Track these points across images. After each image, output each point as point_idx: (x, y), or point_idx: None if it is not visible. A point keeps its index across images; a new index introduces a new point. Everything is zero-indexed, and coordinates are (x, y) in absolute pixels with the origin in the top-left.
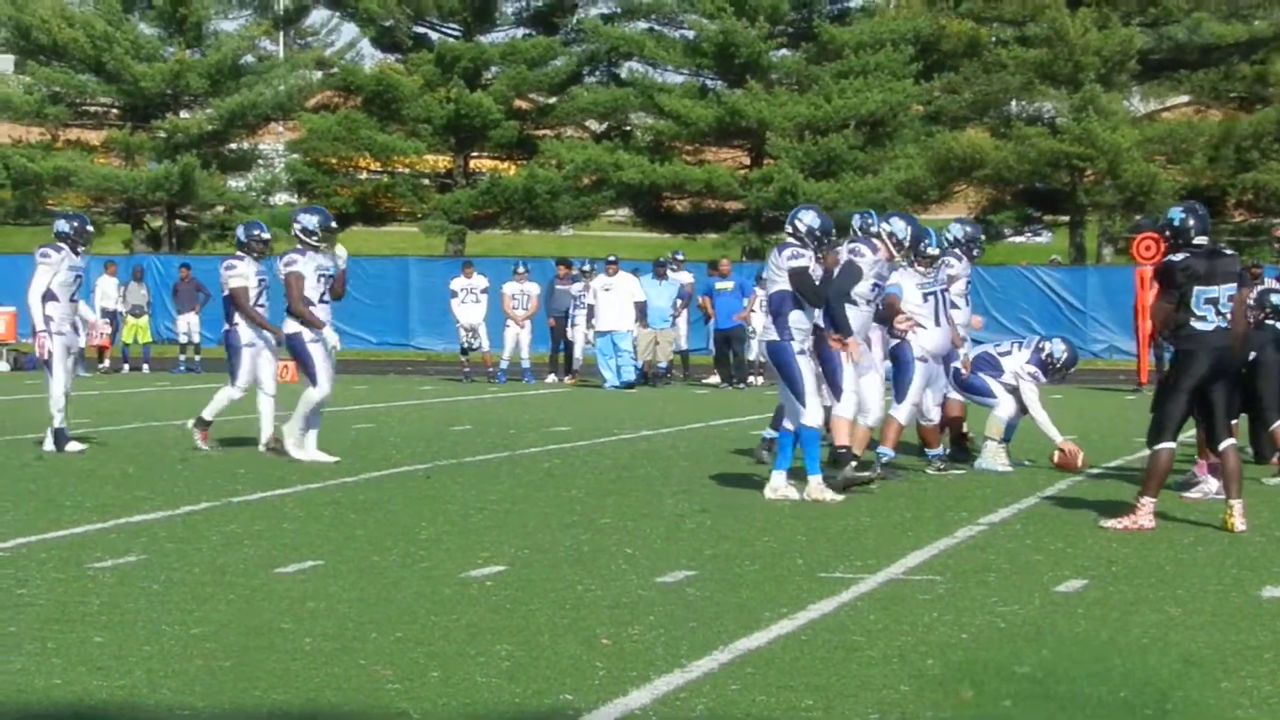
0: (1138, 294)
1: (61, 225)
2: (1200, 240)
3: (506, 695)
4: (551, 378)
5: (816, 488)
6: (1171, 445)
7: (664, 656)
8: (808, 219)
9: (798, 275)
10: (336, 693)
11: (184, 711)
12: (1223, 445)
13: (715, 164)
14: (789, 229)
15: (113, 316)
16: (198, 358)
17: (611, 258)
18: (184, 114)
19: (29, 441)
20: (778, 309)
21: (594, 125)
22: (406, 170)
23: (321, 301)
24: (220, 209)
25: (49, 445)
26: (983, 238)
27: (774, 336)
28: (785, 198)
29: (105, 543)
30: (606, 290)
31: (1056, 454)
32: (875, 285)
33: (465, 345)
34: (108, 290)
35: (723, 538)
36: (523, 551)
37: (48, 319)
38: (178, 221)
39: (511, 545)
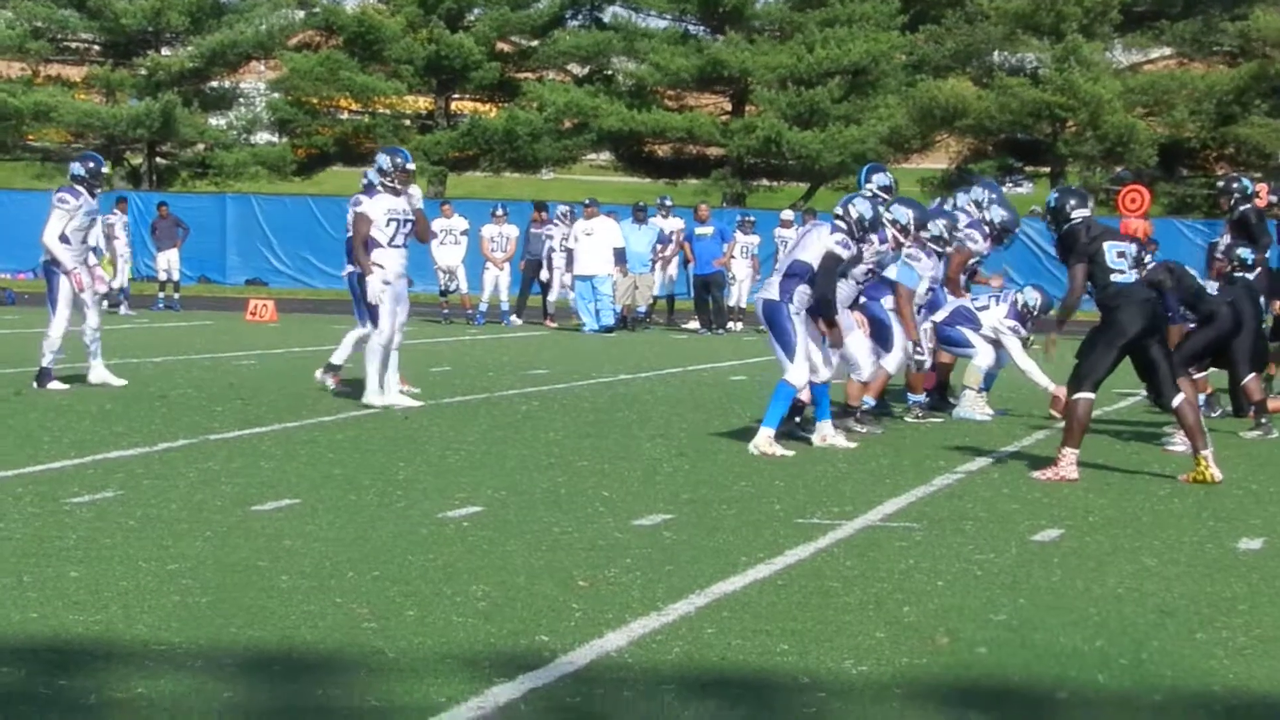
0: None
1: (76, 168)
2: (1083, 212)
3: (482, 635)
4: (516, 319)
5: (765, 440)
6: (1091, 395)
7: (640, 599)
8: (860, 207)
9: (830, 260)
10: (312, 630)
11: (160, 646)
12: (1175, 401)
13: (697, 110)
14: (840, 210)
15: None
16: (176, 295)
17: (589, 201)
18: (165, 51)
19: (7, 377)
20: (795, 274)
21: (576, 69)
22: (387, 111)
23: (393, 245)
24: (201, 147)
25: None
26: (1015, 231)
27: (773, 296)
28: (769, 145)
29: (82, 478)
30: (587, 235)
31: (1053, 400)
32: (870, 270)
33: (444, 287)
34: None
35: (700, 482)
36: (499, 493)
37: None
38: (158, 159)
39: (488, 486)
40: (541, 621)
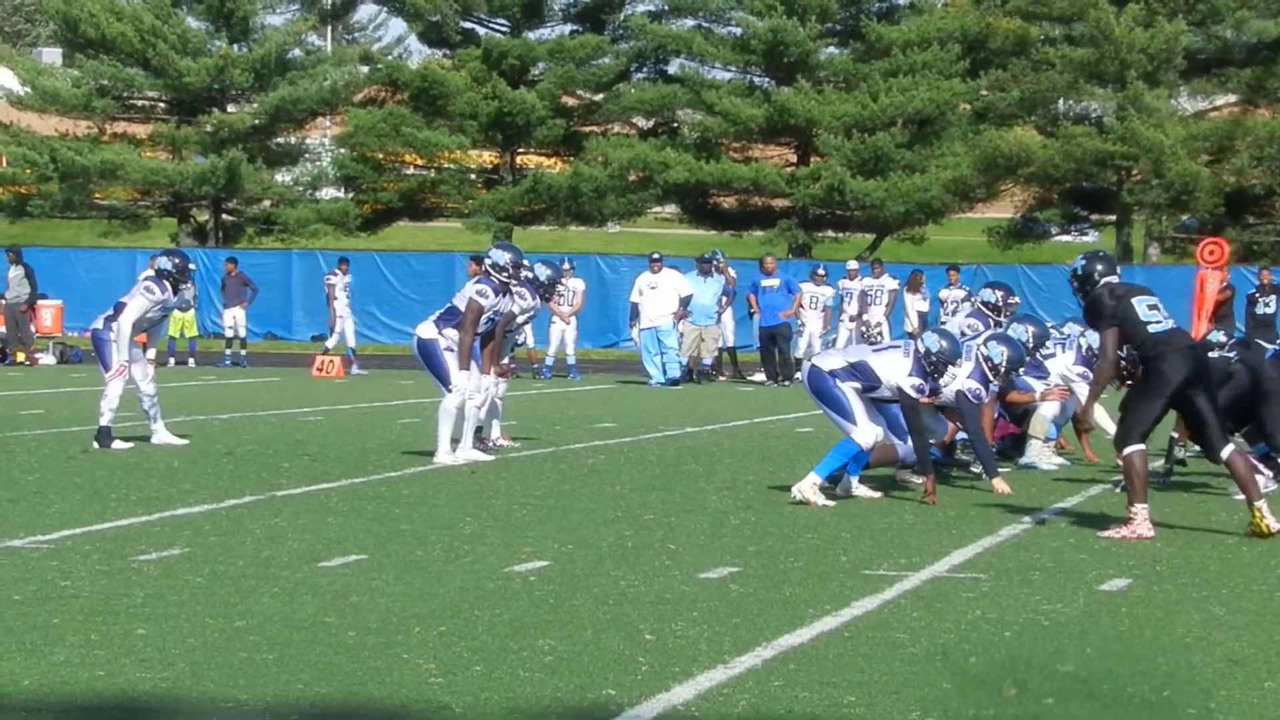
0: (1196, 296)
1: (164, 263)
2: (1110, 279)
3: (549, 690)
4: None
5: (810, 486)
6: (1141, 447)
7: (707, 652)
8: (934, 343)
9: (908, 399)
10: (379, 686)
11: (227, 704)
12: (1225, 454)
13: (762, 162)
14: (921, 346)
15: None
16: (243, 352)
17: (655, 255)
18: (230, 108)
19: (75, 435)
20: (860, 374)
21: (641, 122)
22: (452, 166)
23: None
24: (266, 203)
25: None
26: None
27: (824, 368)
28: (832, 195)
29: (150, 535)
30: (652, 288)
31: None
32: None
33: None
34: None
35: (766, 534)
36: (566, 547)
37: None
38: (224, 216)
39: (555, 540)
40: (608, 675)
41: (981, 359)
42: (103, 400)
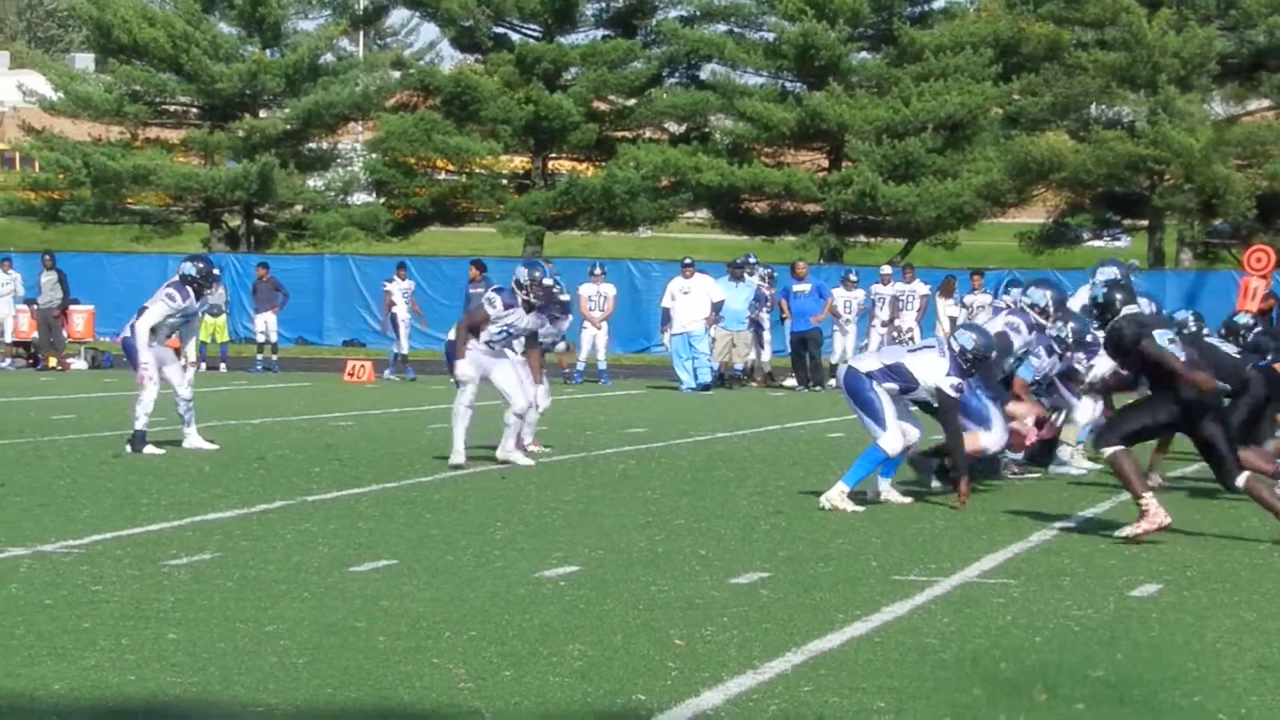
0: (1238, 303)
1: (188, 268)
2: (1131, 308)
3: (579, 695)
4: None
5: (838, 494)
6: (1121, 447)
7: (737, 657)
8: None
9: (947, 400)
10: (409, 691)
11: (257, 708)
12: (1240, 482)
13: (794, 166)
14: (956, 344)
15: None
16: (275, 357)
17: (688, 260)
18: (262, 113)
19: (107, 440)
20: (897, 375)
21: (673, 127)
22: (484, 171)
23: (488, 344)
24: (298, 208)
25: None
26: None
27: (861, 370)
28: (864, 200)
29: (180, 540)
30: (684, 293)
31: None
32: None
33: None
34: None
35: (797, 539)
36: (597, 552)
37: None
38: (255, 221)
39: (585, 546)
40: (638, 681)
41: (954, 351)
42: (137, 405)
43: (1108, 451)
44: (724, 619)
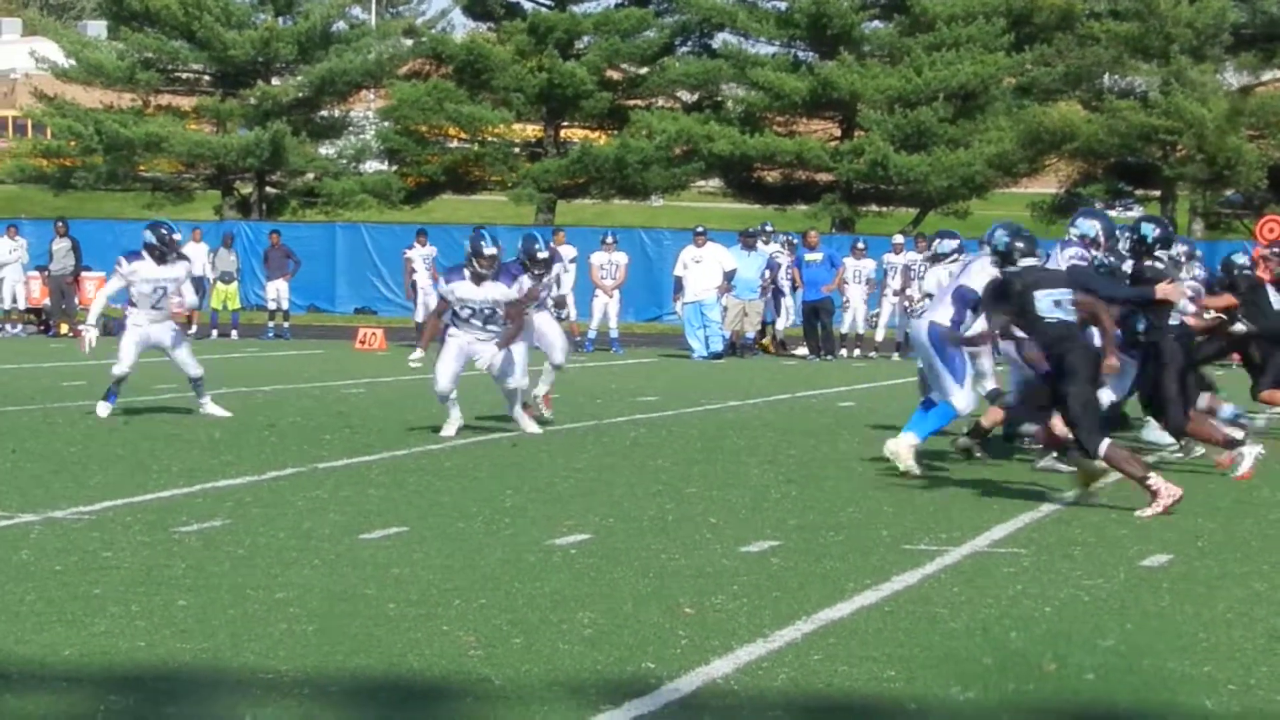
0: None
1: (147, 235)
2: (1028, 260)
3: (589, 663)
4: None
5: (907, 447)
6: (1107, 440)
7: (747, 626)
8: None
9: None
10: (419, 658)
11: (267, 674)
12: (1101, 450)
13: (806, 136)
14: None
15: (199, 283)
16: (286, 324)
17: (700, 229)
18: (274, 81)
19: (116, 406)
20: (963, 299)
21: (685, 96)
22: (496, 139)
23: (459, 324)
24: (310, 176)
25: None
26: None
27: (943, 320)
28: (876, 169)
29: (191, 507)
30: (696, 261)
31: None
32: None
33: (553, 315)
34: (195, 257)
35: (808, 509)
36: (607, 520)
37: (125, 318)
38: (268, 188)
39: (596, 514)
40: (648, 649)
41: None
42: (116, 367)
43: (1102, 453)
44: (734, 587)
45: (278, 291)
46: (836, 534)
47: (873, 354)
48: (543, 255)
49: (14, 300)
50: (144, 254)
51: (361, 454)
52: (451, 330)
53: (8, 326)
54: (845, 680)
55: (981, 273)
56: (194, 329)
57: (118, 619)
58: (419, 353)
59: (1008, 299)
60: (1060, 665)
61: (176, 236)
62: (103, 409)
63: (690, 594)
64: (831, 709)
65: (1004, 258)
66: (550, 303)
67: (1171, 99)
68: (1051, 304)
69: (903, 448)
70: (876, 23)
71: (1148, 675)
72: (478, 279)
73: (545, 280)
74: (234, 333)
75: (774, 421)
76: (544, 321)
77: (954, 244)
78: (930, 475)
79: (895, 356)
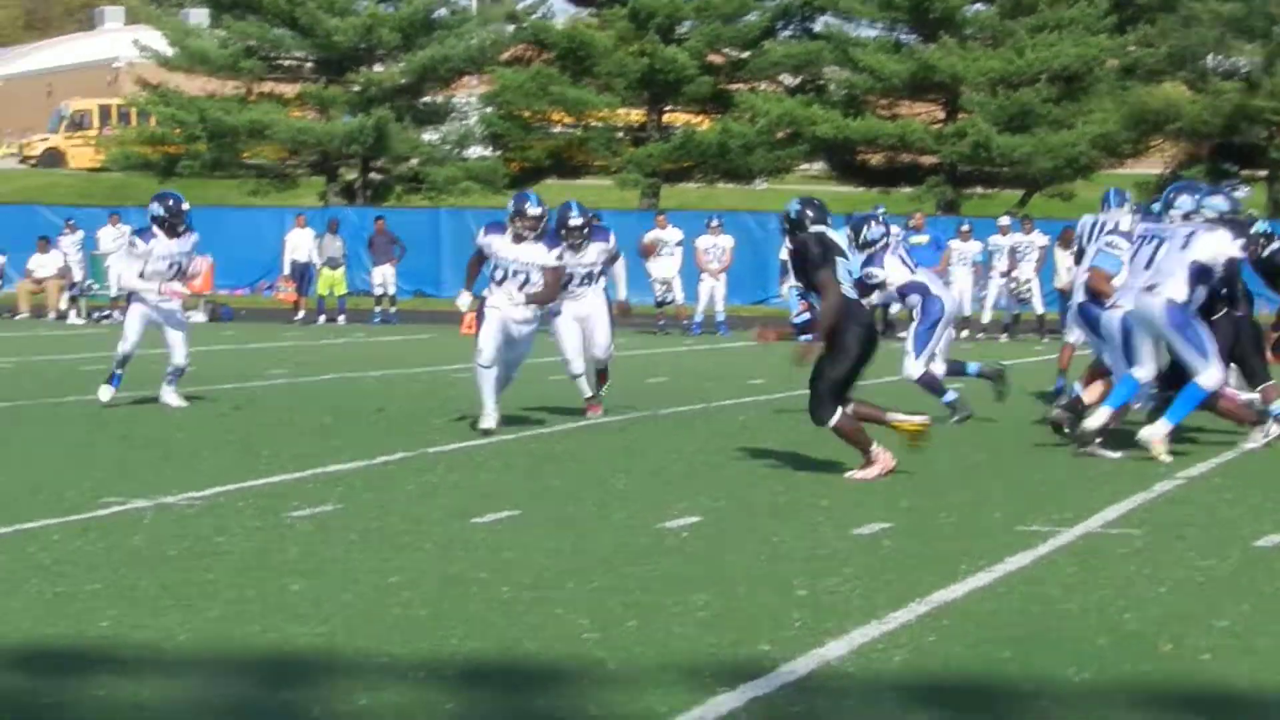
0: None
1: (155, 208)
2: (819, 227)
3: (703, 645)
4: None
5: (1161, 436)
6: (840, 412)
7: (860, 608)
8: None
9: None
10: (534, 642)
11: (381, 659)
12: (832, 421)
13: (909, 118)
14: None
15: (305, 269)
16: (393, 309)
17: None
18: (378, 67)
19: (226, 392)
20: (1193, 274)
21: (787, 79)
22: (600, 124)
23: (499, 285)
24: (414, 161)
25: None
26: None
27: (1177, 297)
28: (979, 152)
29: (302, 492)
30: None
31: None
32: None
33: (660, 299)
34: (299, 243)
35: (918, 490)
36: (718, 502)
37: (134, 293)
38: (372, 174)
39: (707, 496)
40: (762, 631)
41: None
42: (121, 345)
43: (831, 423)
44: (847, 569)
45: (384, 277)
46: (948, 515)
47: (980, 335)
48: (575, 223)
49: (120, 287)
50: (155, 229)
51: (471, 438)
52: (490, 302)
53: (115, 313)
54: (960, 662)
55: (1211, 244)
56: (301, 314)
57: (232, 604)
58: (466, 296)
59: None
60: (1176, 646)
61: (185, 206)
62: (105, 393)
63: (803, 576)
64: (946, 690)
65: (795, 224)
66: (598, 283)
67: (1275, 79)
68: None
69: (1156, 437)
70: (979, 5)
71: (1264, 656)
72: (517, 238)
73: (584, 258)
74: (341, 318)
75: (881, 403)
76: (597, 309)
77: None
78: (1040, 455)
79: (1003, 338)
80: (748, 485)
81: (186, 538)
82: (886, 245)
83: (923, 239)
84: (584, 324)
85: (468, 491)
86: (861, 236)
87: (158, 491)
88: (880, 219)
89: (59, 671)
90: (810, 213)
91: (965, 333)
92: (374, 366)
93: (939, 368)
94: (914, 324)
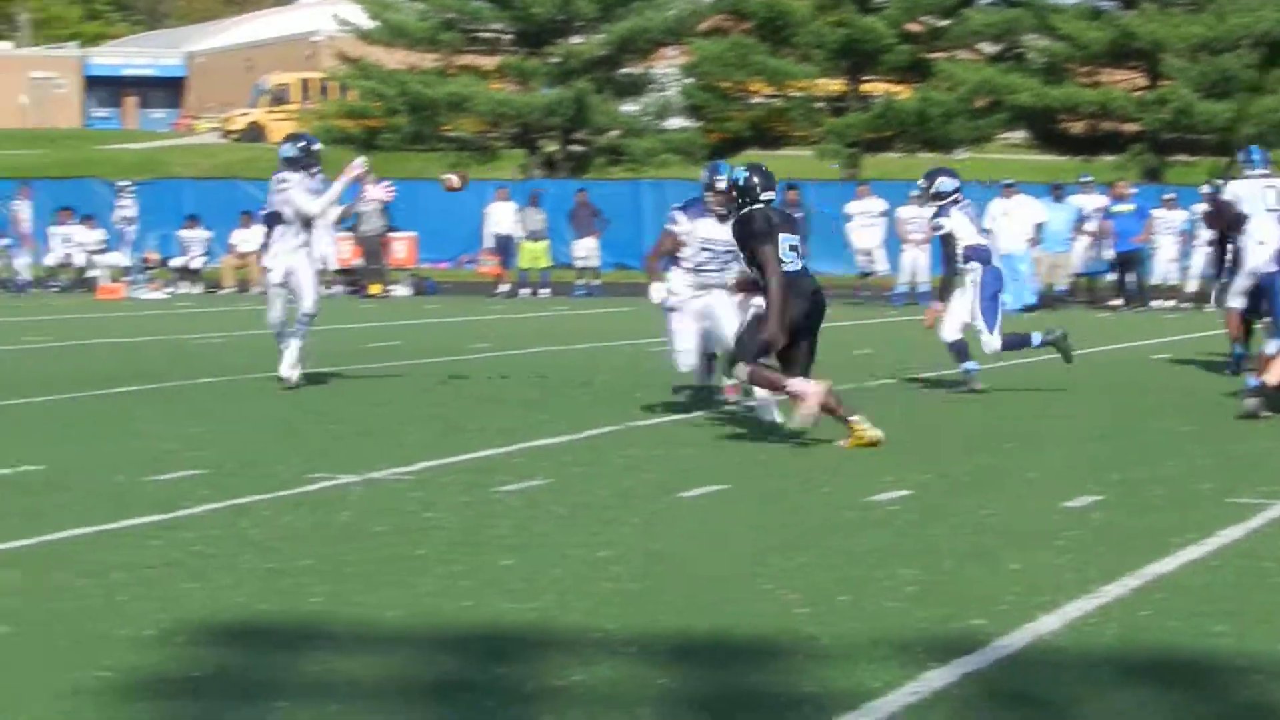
0: None
1: (287, 149)
2: (769, 195)
3: (914, 620)
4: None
5: None
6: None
7: (1072, 581)
8: None
9: None
10: (744, 617)
11: (596, 634)
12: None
13: (1110, 85)
14: None
15: (506, 242)
16: (596, 282)
17: (1008, 182)
18: (576, 39)
19: (429, 367)
20: None
21: (987, 47)
22: (799, 94)
23: (695, 271)
24: (614, 133)
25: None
26: None
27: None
28: (1180, 119)
29: (509, 466)
30: (1005, 215)
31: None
32: None
33: (862, 269)
34: (501, 216)
35: (1126, 463)
36: (925, 476)
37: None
38: (572, 146)
39: (913, 470)
40: (972, 605)
41: None
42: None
43: (743, 371)
44: (1058, 543)
45: (587, 250)
46: (1158, 488)
47: (1186, 305)
48: (722, 185)
49: (323, 262)
50: (286, 172)
51: (676, 412)
52: (672, 304)
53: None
54: (1175, 636)
55: None
56: (506, 287)
57: (442, 579)
58: (659, 288)
59: None
60: None
61: (317, 147)
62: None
63: (1013, 550)
64: (1161, 665)
65: (744, 192)
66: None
67: None
68: None
69: None
70: None
71: None
72: (722, 218)
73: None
74: (544, 290)
75: (1086, 375)
76: (720, 300)
77: None
78: (1244, 427)
79: (1208, 307)
80: (954, 458)
81: (395, 513)
82: (957, 200)
83: (1127, 207)
84: (708, 319)
85: (672, 466)
86: (934, 187)
87: (364, 467)
88: (1088, 187)
89: (272, 647)
90: (758, 179)
91: (1172, 302)
92: (578, 340)
93: (995, 342)
94: (974, 300)
